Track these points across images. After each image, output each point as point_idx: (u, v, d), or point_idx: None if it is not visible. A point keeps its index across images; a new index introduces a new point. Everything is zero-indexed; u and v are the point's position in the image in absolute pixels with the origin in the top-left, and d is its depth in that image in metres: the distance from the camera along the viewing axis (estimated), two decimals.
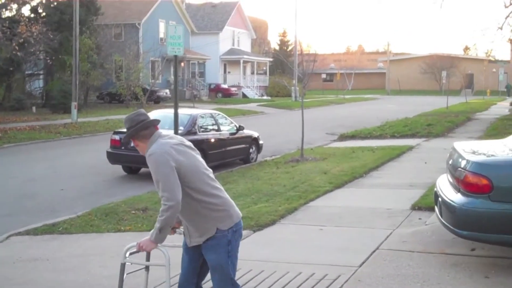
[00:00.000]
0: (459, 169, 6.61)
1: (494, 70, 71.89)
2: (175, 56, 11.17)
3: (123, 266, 4.91)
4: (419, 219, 8.99)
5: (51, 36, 32.04)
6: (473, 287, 6.06)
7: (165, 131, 4.72)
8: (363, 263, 6.94)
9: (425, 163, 14.76)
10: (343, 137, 22.36)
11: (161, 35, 52.84)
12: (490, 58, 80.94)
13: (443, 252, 7.19)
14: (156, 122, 4.62)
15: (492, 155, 6.88)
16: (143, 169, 15.27)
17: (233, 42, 64.77)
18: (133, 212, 10.06)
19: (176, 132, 11.70)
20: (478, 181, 6.29)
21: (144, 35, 49.22)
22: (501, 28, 26.47)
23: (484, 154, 6.97)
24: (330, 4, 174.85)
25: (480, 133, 22.10)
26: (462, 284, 6.14)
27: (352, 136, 22.27)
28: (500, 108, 40.21)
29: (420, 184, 11.80)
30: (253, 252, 7.55)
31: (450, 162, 7.18)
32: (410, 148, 17.85)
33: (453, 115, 30.05)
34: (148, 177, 14.99)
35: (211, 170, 4.69)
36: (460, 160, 6.79)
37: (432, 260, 6.93)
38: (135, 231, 8.88)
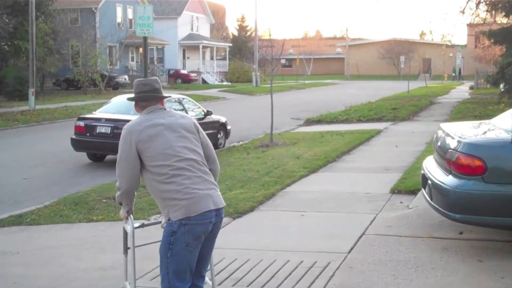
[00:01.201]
0: (450, 150, 6.43)
1: (451, 54, 72.83)
2: (145, 38, 10.73)
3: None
4: (401, 202, 8.83)
5: (6, 21, 30.94)
6: (467, 271, 5.90)
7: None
8: (351, 249, 6.72)
9: (396, 146, 14.68)
10: (309, 122, 22.17)
11: (119, 19, 51.95)
12: (447, 42, 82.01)
13: (431, 236, 7.03)
14: (157, 97, 4.44)
15: (485, 136, 6.72)
16: (108, 157, 14.79)
17: (192, 27, 63.99)
18: (104, 201, 9.67)
19: None
20: (471, 163, 6.12)
21: (101, 20, 48.17)
22: (463, 12, 26.63)
23: (476, 135, 6.81)
24: None
25: (445, 117, 22.19)
26: (456, 269, 5.97)
27: (318, 121, 22.08)
28: (460, 92, 40.65)
29: (395, 167, 11.68)
30: (236, 240, 7.27)
31: (439, 143, 7.00)
32: (378, 132, 17.76)
33: (415, 99, 30.17)
34: (114, 164, 14.51)
35: (194, 156, 4.29)
36: (450, 141, 6.62)
37: (421, 245, 6.75)
38: (109, 221, 8.51)
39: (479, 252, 6.41)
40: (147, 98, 4.42)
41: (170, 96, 4.60)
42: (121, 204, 4.55)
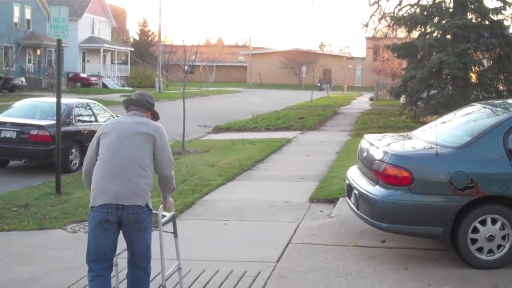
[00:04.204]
0: (377, 161, 6.59)
1: (350, 66, 75.12)
2: (59, 40, 10.30)
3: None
4: (321, 211, 8.96)
5: None
6: (395, 279, 6.05)
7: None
8: (280, 258, 6.75)
9: (308, 155, 14.90)
10: (217, 129, 22.15)
11: (16, 19, 49.77)
12: (347, 54, 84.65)
13: (355, 245, 7.17)
14: (144, 104, 5.04)
15: (411, 148, 6.92)
16: (12, 162, 14.13)
17: (93, 30, 62.42)
18: (14, 209, 9.17)
19: (57, 123, 10.83)
20: (398, 173, 6.30)
21: None
22: (366, 26, 27.53)
23: (402, 147, 7.01)
24: None
25: (351, 127, 22.82)
26: (384, 277, 6.12)
27: (227, 129, 22.12)
28: (361, 103, 41.92)
29: (310, 176, 11.85)
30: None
31: (364, 154, 7.15)
32: (288, 140, 17.98)
33: (320, 109, 30.79)
34: (20, 171, 13.90)
35: (133, 155, 4.78)
36: (376, 152, 6.78)
37: (347, 253, 6.87)
38: (21, 230, 8.07)
39: (403, 260, 6.60)
40: (135, 103, 5.04)
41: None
42: None
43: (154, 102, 5.19)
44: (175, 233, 5.57)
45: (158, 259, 5.22)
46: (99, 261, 4.78)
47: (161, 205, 5.21)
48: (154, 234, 5.07)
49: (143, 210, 4.78)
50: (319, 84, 68.31)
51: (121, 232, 4.84)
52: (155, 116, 5.15)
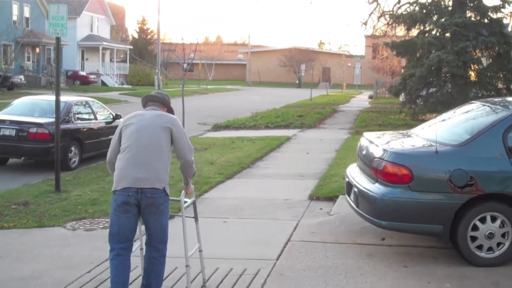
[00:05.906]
0: (376, 159, 6.59)
1: (349, 64, 75.10)
2: (58, 38, 10.29)
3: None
4: (320, 209, 8.97)
5: None
6: (395, 277, 6.06)
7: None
8: (279, 256, 6.75)
9: (307, 153, 14.91)
10: (217, 127, 22.15)
11: (14, 17, 49.74)
12: (346, 52, 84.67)
13: (355, 242, 7.17)
14: (160, 100, 5.51)
15: (410, 146, 6.92)
16: (12, 160, 14.12)
17: (92, 28, 62.39)
18: (13, 207, 9.15)
19: (57, 120, 10.82)
20: (398, 171, 6.30)
21: None
22: (365, 24, 27.54)
23: (401, 145, 7.02)
24: None
25: (350, 125, 22.84)
26: (384, 275, 6.12)
27: (226, 126, 22.13)
28: (360, 101, 41.93)
29: (310, 174, 11.85)
30: None
31: (364, 152, 7.15)
32: (288, 138, 18.00)
33: (319, 107, 30.81)
34: (19, 168, 13.90)
35: (150, 145, 5.16)
36: (375, 150, 6.78)
37: (347, 251, 6.87)
38: (21, 228, 8.06)
39: (403, 258, 6.60)
40: (153, 99, 5.54)
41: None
42: None
43: (170, 100, 5.63)
44: (196, 217, 5.99)
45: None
46: (120, 241, 5.16)
47: (183, 191, 5.64)
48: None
49: (161, 195, 5.15)
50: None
51: None
52: (170, 112, 5.55)
